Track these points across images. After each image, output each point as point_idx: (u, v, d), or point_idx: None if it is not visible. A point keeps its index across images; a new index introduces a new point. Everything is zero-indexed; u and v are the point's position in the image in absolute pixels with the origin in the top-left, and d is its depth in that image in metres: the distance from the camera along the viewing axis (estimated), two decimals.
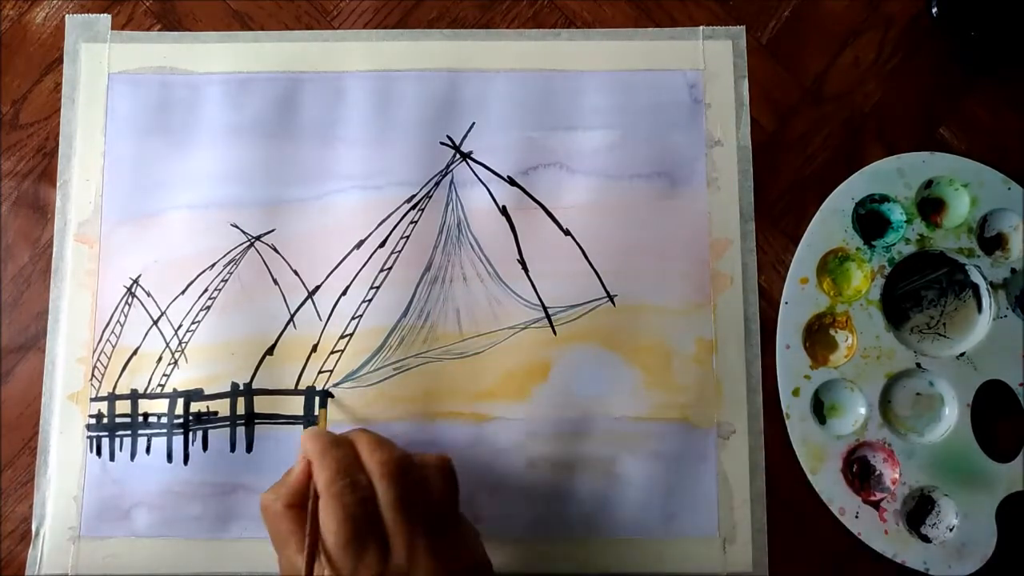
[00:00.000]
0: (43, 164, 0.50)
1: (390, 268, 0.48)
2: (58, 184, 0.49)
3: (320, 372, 0.47)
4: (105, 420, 0.47)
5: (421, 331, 0.48)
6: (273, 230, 0.49)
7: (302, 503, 0.38)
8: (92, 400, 0.48)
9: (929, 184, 0.49)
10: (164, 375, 0.47)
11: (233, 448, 0.47)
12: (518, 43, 0.50)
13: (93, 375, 0.48)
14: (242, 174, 0.49)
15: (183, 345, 0.47)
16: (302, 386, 0.47)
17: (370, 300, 0.48)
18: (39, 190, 0.50)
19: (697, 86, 0.50)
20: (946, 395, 0.48)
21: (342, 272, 0.48)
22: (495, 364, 0.48)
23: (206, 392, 0.47)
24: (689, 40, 0.50)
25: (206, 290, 0.48)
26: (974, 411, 0.47)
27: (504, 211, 0.49)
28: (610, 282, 0.48)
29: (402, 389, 0.47)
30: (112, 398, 0.47)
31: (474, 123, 0.50)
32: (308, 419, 0.47)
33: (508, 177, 0.49)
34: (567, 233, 0.49)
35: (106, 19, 0.51)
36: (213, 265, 0.48)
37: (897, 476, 0.47)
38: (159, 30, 0.51)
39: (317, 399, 0.47)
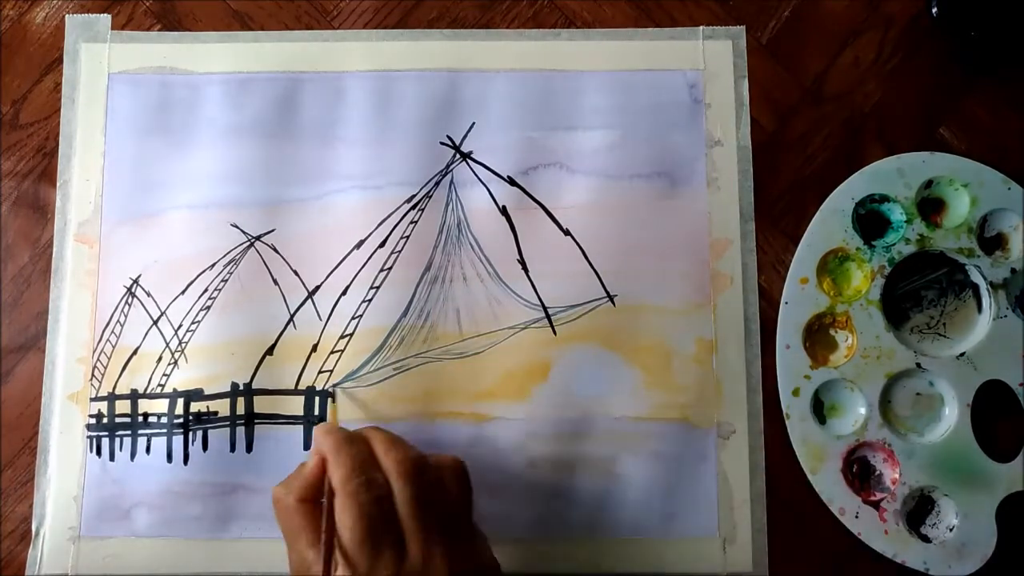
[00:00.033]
0: (43, 164, 0.50)
1: (390, 268, 0.48)
2: (58, 184, 0.49)
3: (320, 372, 0.47)
4: (105, 420, 0.47)
5: (421, 331, 0.48)
6: (273, 230, 0.49)
7: (315, 498, 0.38)
8: (92, 400, 0.48)
9: (929, 184, 0.49)
10: (164, 375, 0.47)
11: (233, 448, 0.47)
12: (518, 43, 0.50)
13: (93, 375, 0.48)
14: (242, 174, 0.49)
15: (183, 345, 0.47)
16: (302, 386, 0.47)
17: (370, 300, 0.48)
18: (39, 190, 0.50)
19: (697, 86, 0.50)
20: (946, 395, 0.48)
21: (342, 272, 0.48)
22: (495, 364, 0.48)
23: (206, 392, 0.47)
24: (689, 40, 0.50)
25: (206, 290, 0.48)
26: (974, 411, 0.47)
27: (504, 211, 0.49)
28: (610, 282, 0.48)
29: (402, 389, 0.47)
30: (112, 398, 0.47)
31: (474, 123, 0.50)
32: (308, 419, 0.47)
33: (508, 177, 0.49)
34: (567, 233, 0.49)
35: (106, 19, 0.51)
36: (213, 265, 0.48)
37: (897, 476, 0.47)
38: (159, 30, 0.51)
39: (318, 398, 0.47)
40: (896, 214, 0.49)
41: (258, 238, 0.49)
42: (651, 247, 0.48)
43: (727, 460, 0.47)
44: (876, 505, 0.46)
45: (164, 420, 0.47)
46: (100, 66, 0.50)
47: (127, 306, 0.48)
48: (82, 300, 0.48)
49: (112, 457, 0.47)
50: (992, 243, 0.49)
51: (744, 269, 0.49)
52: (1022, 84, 0.50)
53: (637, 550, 0.46)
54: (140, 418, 0.47)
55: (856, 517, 0.46)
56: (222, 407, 0.47)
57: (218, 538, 0.46)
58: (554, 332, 0.48)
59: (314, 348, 0.48)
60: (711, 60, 0.50)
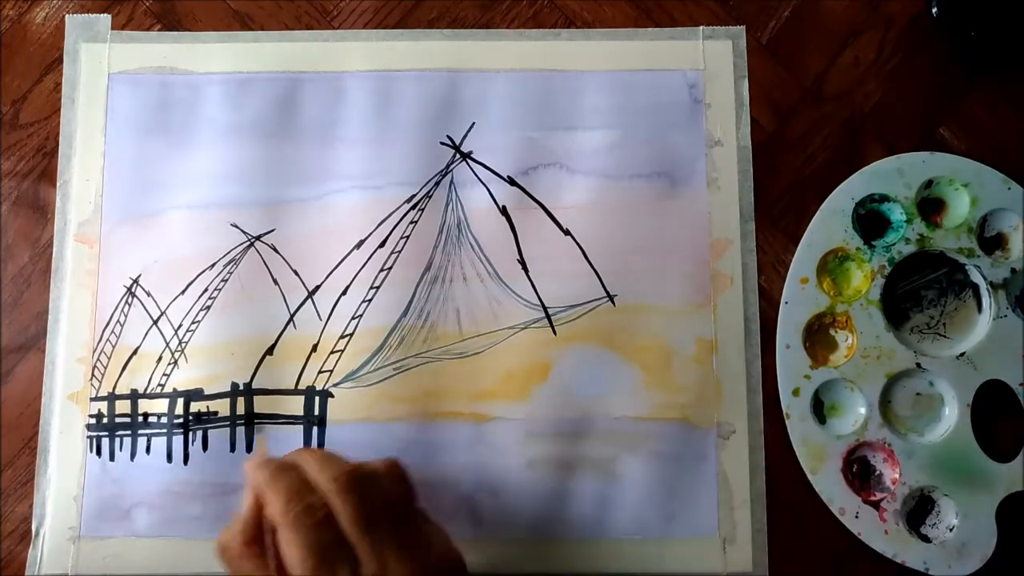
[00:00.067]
0: (43, 164, 0.50)
1: (390, 268, 0.48)
2: (58, 184, 0.49)
3: (320, 372, 0.47)
4: (105, 420, 0.47)
5: (421, 331, 0.48)
6: (273, 230, 0.49)
7: (259, 538, 0.37)
8: (92, 400, 0.48)
9: (929, 184, 0.49)
10: (164, 375, 0.47)
11: (233, 448, 0.47)
12: (518, 43, 0.50)
13: (93, 375, 0.48)
14: (242, 174, 0.49)
15: (183, 345, 0.47)
16: (302, 386, 0.47)
17: (370, 300, 0.48)
18: (39, 190, 0.50)
19: (697, 86, 0.50)
20: (946, 395, 0.48)
21: (342, 272, 0.48)
22: (495, 364, 0.48)
23: (206, 392, 0.47)
24: (689, 40, 0.50)
25: (206, 290, 0.48)
26: (974, 411, 0.47)
27: (504, 211, 0.49)
28: (610, 282, 0.48)
29: (402, 389, 0.47)
30: (112, 398, 0.47)
31: (474, 123, 0.50)
32: (308, 419, 0.47)
33: (508, 177, 0.49)
34: (567, 233, 0.49)
35: (106, 19, 0.51)
36: (213, 265, 0.48)
37: (897, 476, 0.47)
38: (159, 30, 0.51)
39: (318, 398, 0.47)
40: (896, 214, 0.49)
41: (258, 238, 0.49)
42: (651, 247, 0.48)
43: (727, 460, 0.47)
44: (876, 505, 0.46)
45: (164, 420, 0.47)
46: (100, 66, 0.50)
47: (127, 306, 0.48)
48: (82, 300, 0.48)
49: (112, 457, 0.47)
50: (992, 243, 0.49)
51: (744, 269, 0.49)
52: (1022, 84, 0.50)
53: (637, 550, 0.46)
54: (140, 418, 0.47)
55: (856, 517, 0.46)
56: (222, 407, 0.47)
57: None
58: (554, 332, 0.48)
59: (314, 348, 0.48)
60: (711, 60, 0.50)
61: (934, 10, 0.49)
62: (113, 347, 0.48)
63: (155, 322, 0.48)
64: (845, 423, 0.48)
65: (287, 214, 0.49)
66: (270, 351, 0.48)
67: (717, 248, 0.49)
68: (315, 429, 0.47)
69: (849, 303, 0.48)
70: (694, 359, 0.48)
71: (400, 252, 0.48)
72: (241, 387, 0.47)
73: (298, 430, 0.47)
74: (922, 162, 0.49)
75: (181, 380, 0.47)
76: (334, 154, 0.49)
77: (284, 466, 0.38)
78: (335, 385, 0.47)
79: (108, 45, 0.50)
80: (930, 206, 0.49)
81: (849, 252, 0.48)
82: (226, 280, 0.48)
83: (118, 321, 0.48)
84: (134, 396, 0.47)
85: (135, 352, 0.48)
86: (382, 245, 0.48)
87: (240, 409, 0.47)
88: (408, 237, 0.48)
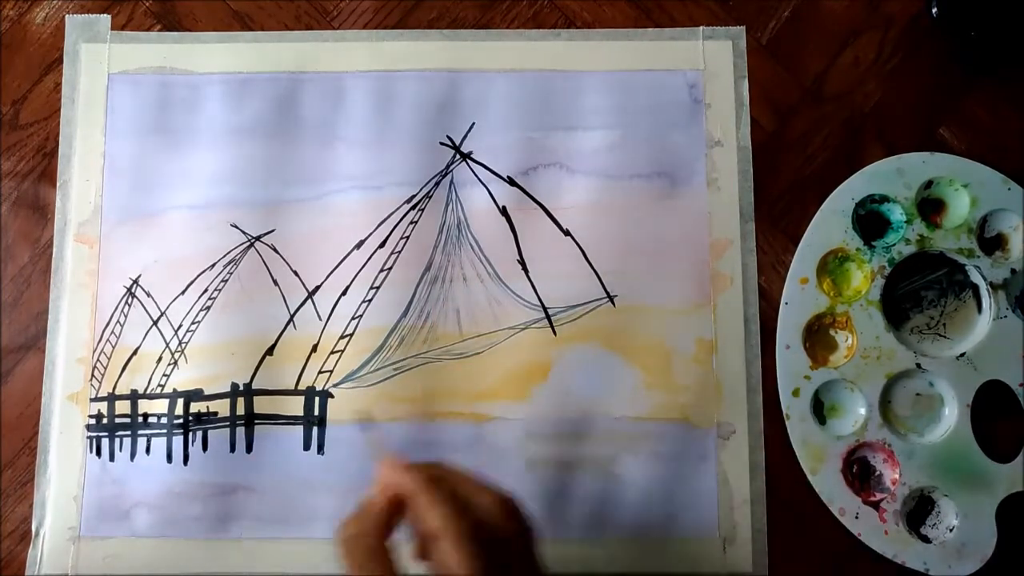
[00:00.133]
0: (43, 164, 0.50)
1: (390, 268, 0.48)
2: (58, 184, 0.49)
3: (320, 372, 0.47)
4: (105, 420, 0.47)
5: (421, 331, 0.48)
6: (273, 230, 0.49)
7: (386, 536, 0.35)
8: (92, 400, 0.48)
9: (929, 184, 0.49)
10: (164, 375, 0.47)
11: (233, 448, 0.47)
12: (518, 43, 0.50)
13: (93, 375, 0.48)
14: (242, 174, 0.49)
15: (183, 345, 0.47)
16: (302, 386, 0.47)
17: (370, 300, 0.48)
18: (39, 190, 0.50)
19: (697, 86, 0.50)
20: (946, 395, 0.48)
21: (342, 272, 0.48)
22: (495, 364, 0.48)
23: (206, 392, 0.47)
24: (689, 40, 0.50)
25: (206, 290, 0.48)
26: (974, 411, 0.47)
27: (504, 211, 0.49)
28: (610, 282, 0.48)
29: (402, 389, 0.47)
30: (112, 398, 0.47)
31: (474, 123, 0.49)
32: (308, 419, 0.47)
33: (508, 177, 0.49)
34: (567, 233, 0.49)
35: (106, 19, 0.51)
36: (213, 265, 0.48)
37: (897, 476, 0.47)
38: (159, 30, 0.51)
39: (318, 399, 0.47)
40: (896, 214, 0.49)
41: (258, 238, 0.49)
42: (651, 247, 0.48)
43: (727, 460, 0.47)
44: (876, 505, 0.46)
45: (164, 420, 0.47)
46: (100, 66, 0.50)
47: (127, 306, 0.48)
48: (82, 300, 0.48)
49: (112, 457, 0.47)
50: (992, 243, 0.49)
51: (744, 269, 0.49)
52: (1022, 84, 0.50)
53: (637, 550, 0.46)
54: (140, 418, 0.47)
55: (856, 517, 0.46)
56: (222, 407, 0.47)
57: (218, 538, 0.46)
58: (554, 332, 0.48)
59: (314, 348, 0.48)
60: (711, 60, 0.50)
61: (934, 10, 0.49)
62: (113, 347, 0.48)
63: (155, 322, 0.48)
64: (845, 423, 0.48)
65: (287, 214, 0.49)
66: (270, 351, 0.48)
67: (717, 248, 0.49)
68: (315, 429, 0.47)
69: (849, 303, 0.48)
70: (694, 359, 0.48)
71: (400, 252, 0.48)
72: (241, 387, 0.47)
73: (298, 430, 0.47)
74: (922, 162, 0.49)
75: (181, 380, 0.47)
76: (334, 154, 0.49)
77: (436, 475, 0.36)
78: (335, 385, 0.47)
79: (108, 45, 0.50)
80: (930, 206, 0.49)
81: (849, 252, 0.48)
82: (226, 280, 0.48)
83: (118, 321, 0.48)
84: (134, 396, 0.47)
85: (135, 352, 0.48)
86: (382, 245, 0.48)
87: (240, 409, 0.47)
88: (408, 237, 0.48)
